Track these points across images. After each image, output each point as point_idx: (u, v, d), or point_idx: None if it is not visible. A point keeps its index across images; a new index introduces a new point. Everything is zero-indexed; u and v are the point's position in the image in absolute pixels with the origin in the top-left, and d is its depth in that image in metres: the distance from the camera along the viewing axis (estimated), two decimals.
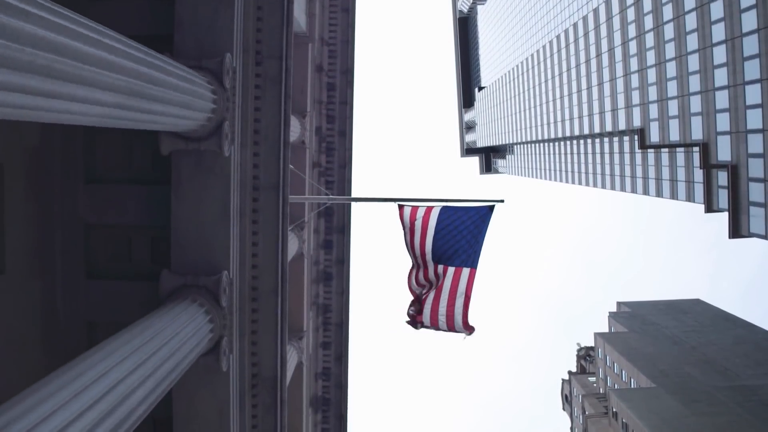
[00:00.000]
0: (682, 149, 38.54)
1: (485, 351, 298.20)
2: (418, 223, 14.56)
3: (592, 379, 66.20)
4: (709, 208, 34.88)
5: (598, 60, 45.14)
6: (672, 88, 33.21)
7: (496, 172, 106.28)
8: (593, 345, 64.16)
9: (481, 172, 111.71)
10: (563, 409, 70.86)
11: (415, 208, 14.60)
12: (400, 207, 14.51)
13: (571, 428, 67.27)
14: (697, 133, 30.85)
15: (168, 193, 11.13)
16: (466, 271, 14.45)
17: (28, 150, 10.68)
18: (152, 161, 11.90)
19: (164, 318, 9.00)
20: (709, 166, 29.86)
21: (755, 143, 25.23)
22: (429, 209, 14.55)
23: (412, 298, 14.50)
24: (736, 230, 27.33)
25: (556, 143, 66.89)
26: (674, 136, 33.66)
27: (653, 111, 35.91)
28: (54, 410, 5.81)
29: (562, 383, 70.88)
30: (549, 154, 70.26)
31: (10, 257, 10.31)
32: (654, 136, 36.39)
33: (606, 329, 67.20)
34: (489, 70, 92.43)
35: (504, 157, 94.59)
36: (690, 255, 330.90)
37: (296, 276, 19.40)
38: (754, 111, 25.28)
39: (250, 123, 11.69)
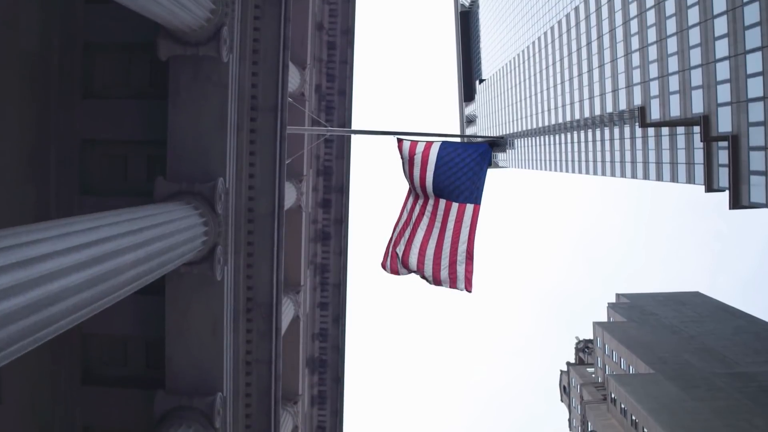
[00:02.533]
0: (682, 131, 38.50)
1: (485, 346, 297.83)
2: (418, 158, 14.37)
3: (591, 370, 66.03)
4: (710, 187, 34.80)
5: (599, 42, 45.19)
6: (673, 64, 33.26)
7: (497, 166, 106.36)
8: (592, 335, 64.05)
9: None
10: (561, 400, 70.68)
11: (414, 143, 14.44)
12: (399, 141, 14.35)
13: (569, 419, 67.05)
14: (697, 107, 30.83)
15: (165, 109, 11.07)
16: (470, 207, 14.19)
17: (25, 54, 10.58)
18: (150, 78, 11.84)
19: (158, 208, 8.91)
20: (709, 138, 29.82)
21: (756, 112, 25.20)
22: (429, 144, 14.38)
23: (396, 236, 14.01)
24: (737, 201, 27.27)
25: (556, 135, 66.89)
26: (675, 111, 33.65)
27: (654, 88, 35.93)
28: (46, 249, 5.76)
29: (561, 374, 70.72)
30: (549, 144, 70.25)
31: (3, 158, 10.20)
32: (654, 113, 36.39)
33: (605, 320, 67.11)
34: (490, 63, 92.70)
35: (504, 151, 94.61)
36: (690, 249, 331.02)
37: (293, 229, 19.22)
38: (754, 79, 25.29)
39: (249, 38, 11.61)
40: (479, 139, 14.87)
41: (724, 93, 27.95)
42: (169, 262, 8.38)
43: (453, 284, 13.60)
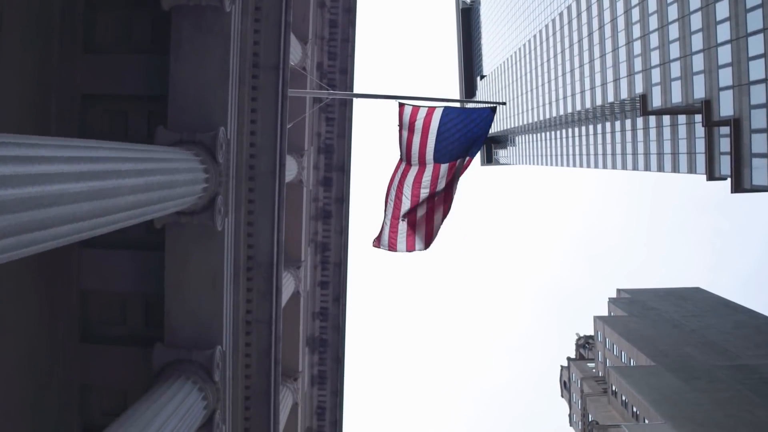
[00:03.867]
0: (684, 121, 38.45)
1: (486, 344, 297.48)
2: (419, 124, 14.31)
3: (591, 365, 65.87)
4: (711, 175, 34.75)
5: (600, 32, 45.22)
6: (674, 50, 33.25)
7: (497, 163, 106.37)
8: (593, 329, 63.93)
9: (482, 164, 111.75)
10: (561, 395, 70.51)
11: (416, 109, 14.38)
12: (401, 105, 14.29)
13: (570, 414, 66.88)
14: (699, 92, 30.81)
15: (166, 64, 11.02)
16: (461, 161, 14.17)
17: (26, 7, 10.54)
18: (151, 33, 11.80)
19: (159, 149, 8.85)
20: (711, 123, 29.80)
21: (758, 94, 25.19)
22: (431, 110, 14.31)
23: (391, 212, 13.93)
24: (739, 184, 27.23)
25: (557, 130, 66.86)
26: (676, 97, 33.63)
27: (655, 75, 35.94)
28: None
29: (561, 370, 70.55)
30: (549, 139, 70.21)
31: (3, 111, 10.15)
32: (656, 101, 36.37)
33: (605, 315, 67.00)
34: (491, 59, 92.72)
35: (505, 147, 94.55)
36: (691, 245, 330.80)
37: (295, 204, 19.16)
38: (756, 62, 25.27)
39: None
40: (481, 105, 14.82)
41: (725, 77, 27.94)
42: (168, 200, 8.31)
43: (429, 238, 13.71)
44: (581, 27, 49.88)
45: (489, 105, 14.73)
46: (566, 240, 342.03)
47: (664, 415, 39.66)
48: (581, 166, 59.42)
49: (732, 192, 27.88)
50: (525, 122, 73.81)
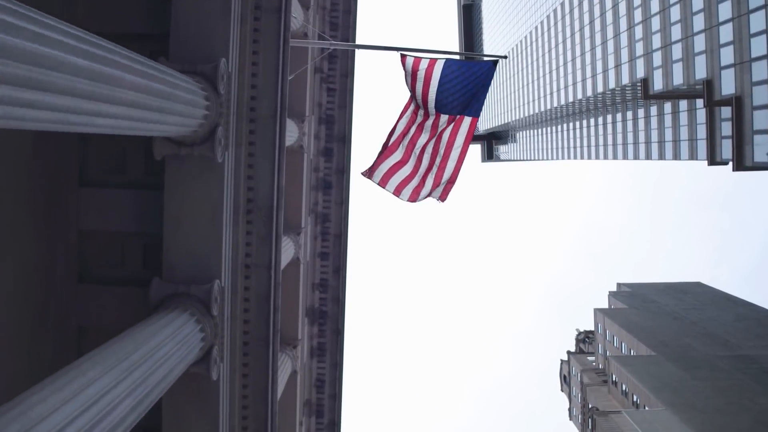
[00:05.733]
0: (685, 107, 38.42)
1: (487, 341, 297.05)
2: (421, 74, 14.33)
3: (591, 358, 65.69)
4: (712, 159, 34.69)
5: (602, 19, 45.27)
6: (676, 32, 33.27)
7: (498, 159, 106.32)
8: (593, 321, 63.78)
9: (483, 160, 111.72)
10: (561, 390, 70.28)
11: (418, 60, 14.40)
12: (403, 56, 14.30)
13: (569, 408, 66.64)
14: (700, 72, 30.81)
15: None
16: (467, 120, 14.25)
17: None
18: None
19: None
20: (712, 103, 29.77)
21: (759, 70, 25.18)
22: (432, 61, 14.33)
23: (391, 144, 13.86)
24: (740, 163, 27.18)
25: (557, 125, 66.87)
26: (678, 79, 33.63)
27: (657, 59, 35.95)
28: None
29: (561, 364, 70.36)
30: (550, 133, 70.22)
31: None
32: (657, 84, 36.37)
33: (606, 308, 66.82)
34: (492, 53, 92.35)
35: (506, 143, 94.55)
36: (692, 242, 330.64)
37: (295, 170, 19.08)
38: (758, 38, 25.26)
39: None
40: (484, 57, 14.80)
41: (727, 55, 27.94)
42: (169, 113, 8.27)
43: (432, 193, 13.72)
44: (582, 15, 49.95)
45: (491, 59, 14.75)
46: (568, 237, 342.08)
47: (665, 402, 39.52)
48: (582, 158, 59.39)
49: (734, 170, 27.81)
50: (527, 114, 73.83)
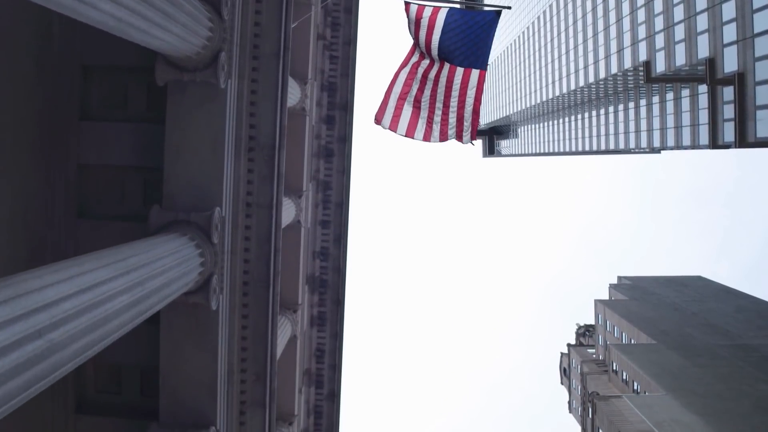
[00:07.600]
0: (687, 94, 38.38)
1: (488, 336, 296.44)
2: (425, 21, 14.27)
3: (592, 351, 65.56)
4: (714, 143, 34.60)
5: (604, 5, 45.25)
6: (678, 13, 33.23)
7: (499, 154, 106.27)
8: (593, 312, 63.67)
9: (484, 155, 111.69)
10: (561, 383, 70.11)
11: (421, 8, 14.35)
12: (406, 4, 14.26)
13: (569, 401, 66.48)
14: (703, 51, 30.78)
15: None
16: (475, 72, 14.20)
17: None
18: None
19: None
20: (715, 81, 29.72)
21: (762, 46, 25.15)
22: (436, 10, 14.30)
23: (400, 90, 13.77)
24: (743, 138, 27.12)
25: (559, 118, 66.82)
26: (680, 60, 33.59)
27: (659, 41, 35.90)
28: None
29: (561, 357, 70.21)
30: (551, 126, 70.19)
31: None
32: (660, 66, 36.33)
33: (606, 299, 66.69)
34: (493, 49, 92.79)
35: (507, 138, 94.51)
36: (693, 238, 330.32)
37: (296, 132, 18.98)
38: (761, 13, 25.25)
39: None
40: (487, 7, 14.80)
41: (729, 33, 27.91)
42: (166, 30, 8.18)
43: (459, 137, 13.65)
44: (585, 2, 49.95)
45: (494, 8, 14.71)
46: (569, 232, 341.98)
47: (666, 388, 39.41)
48: (584, 148, 59.32)
49: (736, 147, 27.73)
50: (529, 104, 73.76)
